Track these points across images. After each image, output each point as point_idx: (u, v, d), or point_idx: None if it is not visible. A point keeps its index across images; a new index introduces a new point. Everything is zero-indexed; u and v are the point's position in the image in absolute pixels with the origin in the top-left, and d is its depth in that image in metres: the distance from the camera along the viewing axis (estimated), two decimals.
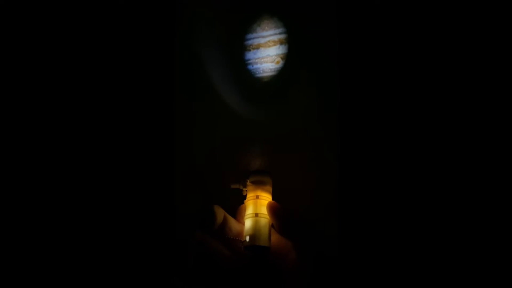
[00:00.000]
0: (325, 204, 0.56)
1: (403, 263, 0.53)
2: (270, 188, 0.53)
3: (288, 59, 0.56)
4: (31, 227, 0.60)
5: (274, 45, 0.57)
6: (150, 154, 0.60)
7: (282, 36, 0.57)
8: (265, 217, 0.51)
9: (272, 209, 0.50)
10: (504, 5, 0.50)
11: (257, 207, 0.51)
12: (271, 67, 0.57)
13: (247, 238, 0.50)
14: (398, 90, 0.54)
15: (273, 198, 0.52)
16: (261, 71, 0.58)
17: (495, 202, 0.51)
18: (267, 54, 0.57)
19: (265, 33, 0.57)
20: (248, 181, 0.52)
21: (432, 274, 0.52)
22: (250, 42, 0.58)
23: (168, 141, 0.59)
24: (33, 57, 0.60)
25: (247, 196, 0.53)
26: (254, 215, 0.51)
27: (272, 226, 0.51)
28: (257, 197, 0.52)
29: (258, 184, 0.52)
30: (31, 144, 0.61)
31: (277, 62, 0.57)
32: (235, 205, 0.52)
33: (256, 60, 0.58)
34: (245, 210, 0.52)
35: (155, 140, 0.60)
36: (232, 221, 0.51)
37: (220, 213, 0.50)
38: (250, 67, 0.58)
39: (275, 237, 0.50)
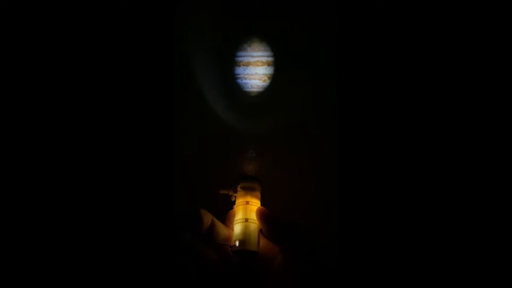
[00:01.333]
0: (324, 207, 0.57)
1: (402, 267, 0.54)
2: (259, 194, 0.53)
3: (277, 71, 0.60)
4: (30, 227, 0.57)
5: (262, 65, 0.61)
6: (148, 157, 0.59)
7: (270, 59, 0.62)
8: (254, 223, 0.50)
9: (261, 215, 0.50)
10: (504, 5, 0.54)
11: (247, 213, 0.50)
12: (258, 84, 0.61)
13: (237, 243, 0.48)
14: (397, 93, 0.57)
15: (266, 202, 0.52)
16: (249, 86, 0.61)
17: (495, 202, 0.54)
18: (255, 72, 0.61)
19: (254, 54, 0.62)
20: (239, 186, 0.52)
21: (431, 276, 0.53)
22: (240, 58, 0.61)
23: (167, 144, 0.58)
24: (33, 57, 0.59)
25: (236, 202, 0.52)
26: (244, 220, 0.50)
27: (260, 231, 0.50)
28: (247, 202, 0.51)
29: (248, 190, 0.52)
30: (30, 144, 0.59)
31: (264, 80, 0.61)
32: (224, 209, 0.51)
33: (245, 76, 0.61)
34: (234, 216, 0.51)
35: (153, 143, 0.59)
36: (220, 225, 0.50)
37: (208, 217, 0.49)
38: (239, 81, 0.61)
39: (262, 242, 0.50)
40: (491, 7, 0.55)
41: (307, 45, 0.60)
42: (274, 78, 0.61)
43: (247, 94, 0.61)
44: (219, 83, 0.60)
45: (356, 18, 0.58)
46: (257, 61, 0.61)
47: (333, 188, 0.58)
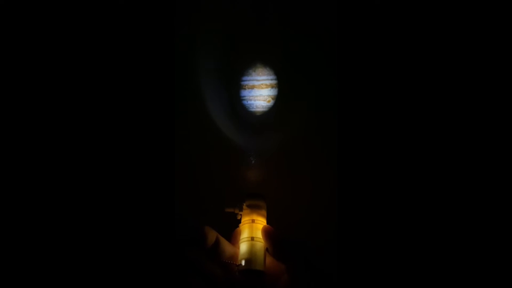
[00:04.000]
0: (324, 216, 0.57)
1: (403, 280, 0.52)
2: (264, 212, 0.52)
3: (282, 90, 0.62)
4: (31, 227, 0.57)
5: (266, 87, 0.63)
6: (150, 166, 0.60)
7: (274, 82, 0.63)
8: (260, 241, 0.49)
9: (267, 233, 0.50)
10: (504, 5, 0.54)
11: (253, 231, 0.50)
12: (263, 105, 0.63)
13: (243, 262, 0.48)
14: (399, 106, 0.57)
15: (270, 217, 0.52)
16: (254, 107, 0.63)
17: (495, 202, 0.53)
18: (260, 94, 0.63)
19: (259, 77, 0.64)
20: (244, 205, 0.52)
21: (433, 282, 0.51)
22: (246, 82, 0.63)
23: (169, 151, 0.59)
24: (33, 57, 0.60)
25: (242, 220, 0.52)
26: (250, 239, 0.49)
27: (266, 249, 0.50)
28: (253, 221, 0.51)
29: (254, 208, 0.52)
30: (31, 144, 0.59)
31: (269, 101, 0.63)
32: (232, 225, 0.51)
33: (250, 98, 0.63)
34: (239, 234, 0.51)
35: (157, 162, 0.60)
36: (225, 243, 0.49)
37: (212, 234, 0.48)
38: (245, 102, 0.63)
39: (268, 260, 0.49)
40: (491, 7, 0.55)
41: (308, 59, 0.62)
42: (278, 98, 0.62)
43: (252, 115, 0.62)
44: (226, 105, 0.62)
45: (358, 27, 0.59)
46: (262, 84, 0.63)
47: (334, 200, 0.58)
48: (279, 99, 0.62)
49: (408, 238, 0.55)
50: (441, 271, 0.54)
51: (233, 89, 0.62)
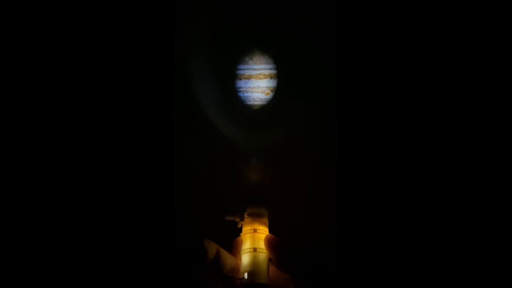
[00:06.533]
0: (324, 215, 0.56)
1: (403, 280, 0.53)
2: (266, 221, 0.49)
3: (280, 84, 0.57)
4: (31, 227, 0.57)
5: (265, 78, 0.58)
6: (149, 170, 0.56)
7: (273, 71, 0.58)
8: (263, 252, 0.47)
9: (270, 243, 0.47)
10: (504, 5, 0.53)
11: (255, 242, 0.47)
12: (261, 97, 0.58)
13: (246, 275, 0.45)
14: (398, 103, 0.56)
15: (271, 228, 0.49)
16: (252, 100, 0.57)
17: (495, 202, 0.54)
18: (257, 85, 0.58)
19: (256, 66, 0.58)
20: (246, 213, 0.49)
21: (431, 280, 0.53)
22: (242, 72, 0.57)
23: (168, 159, 0.55)
24: (33, 57, 0.58)
25: (243, 229, 0.48)
26: (252, 250, 0.46)
27: (269, 260, 0.47)
28: (255, 230, 0.48)
29: (255, 216, 0.49)
30: (31, 144, 0.58)
31: (267, 94, 0.58)
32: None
33: (247, 89, 0.57)
34: (241, 244, 0.48)
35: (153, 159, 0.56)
36: (226, 255, 0.46)
37: (213, 247, 0.45)
38: (241, 94, 0.57)
39: (272, 271, 0.47)
40: (491, 7, 0.54)
41: (308, 55, 0.57)
42: (276, 92, 0.58)
43: (249, 108, 0.57)
44: (220, 97, 0.57)
45: (358, 28, 0.57)
46: (259, 74, 0.58)
47: (333, 199, 0.57)
48: (279, 91, 0.57)
49: (408, 238, 0.55)
50: (441, 271, 0.55)
51: (227, 79, 0.57)
